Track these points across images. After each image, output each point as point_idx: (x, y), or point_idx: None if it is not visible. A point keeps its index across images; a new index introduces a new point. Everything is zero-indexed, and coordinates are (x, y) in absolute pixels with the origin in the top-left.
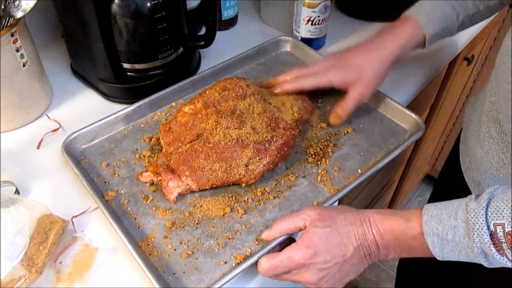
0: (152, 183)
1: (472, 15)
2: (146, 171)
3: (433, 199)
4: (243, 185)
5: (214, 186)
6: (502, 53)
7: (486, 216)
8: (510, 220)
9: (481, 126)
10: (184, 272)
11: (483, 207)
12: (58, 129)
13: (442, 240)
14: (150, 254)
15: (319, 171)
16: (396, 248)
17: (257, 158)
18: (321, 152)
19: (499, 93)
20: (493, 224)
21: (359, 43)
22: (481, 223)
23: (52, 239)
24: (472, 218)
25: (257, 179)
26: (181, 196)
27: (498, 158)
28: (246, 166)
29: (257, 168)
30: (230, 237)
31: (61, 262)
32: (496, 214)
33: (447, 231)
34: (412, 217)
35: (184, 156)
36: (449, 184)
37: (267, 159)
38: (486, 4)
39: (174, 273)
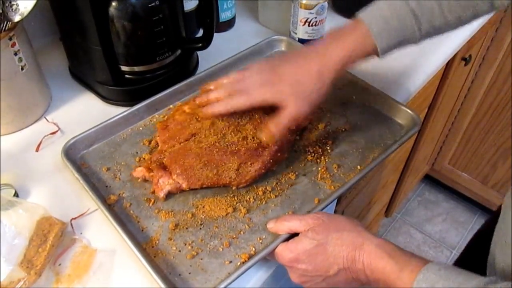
0: (145, 179)
1: (439, 27)
2: (139, 166)
3: None
4: (234, 188)
5: (204, 186)
6: None
7: None
8: None
9: None
10: (189, 273)
11: None
12: (56, 131)
13: None
14: (155, 256)
15: (319, 168)
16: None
17: (249, 163)
18: (320, 150)
19: None
20: None
21: (296, 51)
22: None
23: (51, 241)
24: None
25: (248, 183)
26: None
27: None
28: (237, 170)
29: (248, 173)
30: (234, 236)
31: (60, 264)
32: None
33: None
34: (406, 269)
35: (177, 155)
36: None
37: (259, 165)
38: (457, 15)
39: (179, 274)
